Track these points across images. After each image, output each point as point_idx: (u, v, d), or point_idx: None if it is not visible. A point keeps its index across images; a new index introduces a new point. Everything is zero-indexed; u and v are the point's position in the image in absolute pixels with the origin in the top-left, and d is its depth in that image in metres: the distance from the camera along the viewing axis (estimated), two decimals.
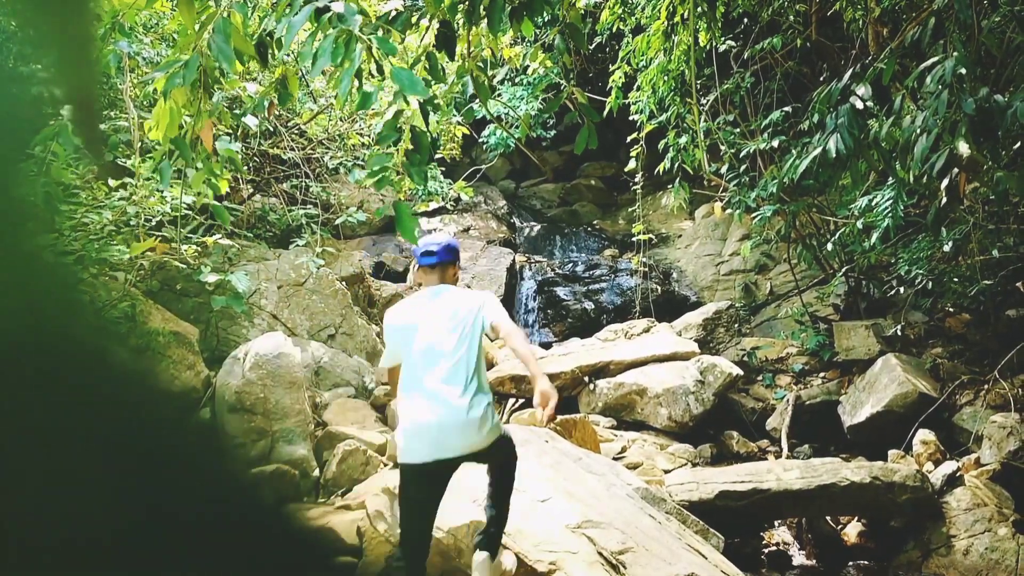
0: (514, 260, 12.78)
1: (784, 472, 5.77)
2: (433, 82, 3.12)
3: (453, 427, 3.71)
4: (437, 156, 10.72)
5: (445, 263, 4.16)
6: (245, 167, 8.13)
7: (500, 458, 3.99)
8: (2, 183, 0.65)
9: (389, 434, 6.98)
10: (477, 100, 3.49)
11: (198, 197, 4.84)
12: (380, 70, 2.49)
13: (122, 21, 3.28)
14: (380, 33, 2.50)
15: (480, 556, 3.94)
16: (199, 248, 6.66)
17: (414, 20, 3.14)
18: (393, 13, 2.96)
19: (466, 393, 3.80)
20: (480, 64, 3.55)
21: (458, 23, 3.25)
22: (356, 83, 2.48)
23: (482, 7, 3.01)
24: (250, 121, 3.75)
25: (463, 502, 4.23)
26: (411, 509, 3.80)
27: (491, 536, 3.98)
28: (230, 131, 5.12)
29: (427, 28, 3.20)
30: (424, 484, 3.75)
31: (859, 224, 6.85)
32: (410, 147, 2.65)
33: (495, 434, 3.83)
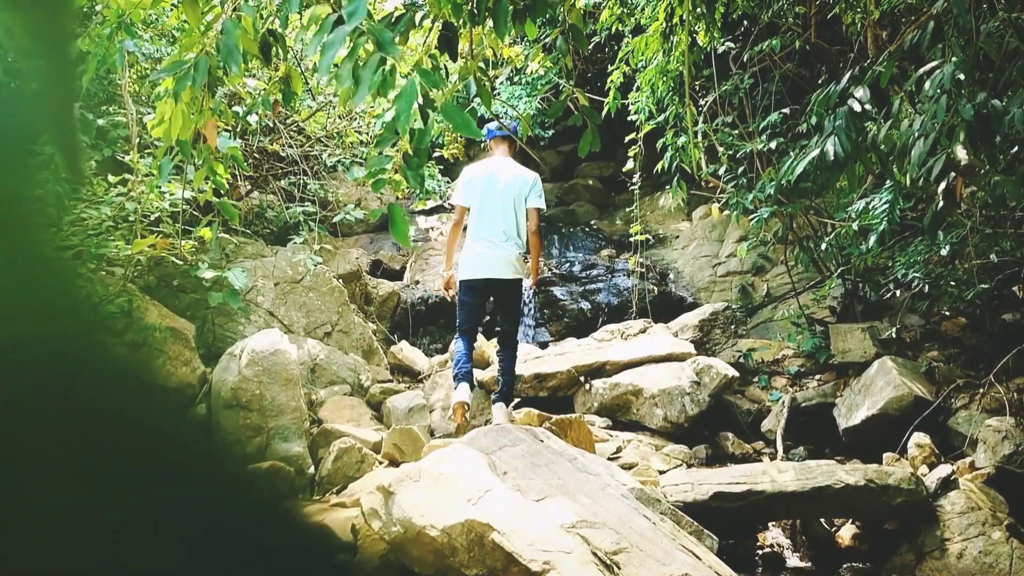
0: None
1: (779, 474, 5.77)
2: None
3: (497, 258, 5.67)
4: (436, 154, 10.71)
5: (513, 140, 6.23)
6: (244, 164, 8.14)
7: (513, 297, 5.96)
8: (5, 179, 0.66)
9: (384, 432, 6.99)
10: (478, 100, 3.50)
11: (201, 195, 4.85)
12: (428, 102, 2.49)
13: (128, 20, 3.28)
14: (420, 58, 2.50)
15: (497, 404, 5.88)
16: (196, 244, 6.66)
17: (417, 20, 3.13)
18: (396, 15, 2.96)
19: (508, 242, 5.69)
20: (481, 64, 3.55)
21: (461, 24, 3.25)
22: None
23: (487, 6, 3.00)
24: (250, 118, 3.76)
25: (458, 502, 4.23)
26: (465, 309, 5.95)
27: (503, 392, 5.98)
28: (229, 128, 5.12)
29: (430, 29, 3.20)
30: (472, 292, 5.82)
31: (855, 226, 6.87)
32: (408, 150, 2.65)
33: (519, 276, 5.82)
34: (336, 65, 2.48)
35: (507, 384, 6.06)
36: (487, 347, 9.14)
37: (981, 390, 6.84)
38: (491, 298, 6.11)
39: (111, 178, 6.44)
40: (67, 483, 0.63)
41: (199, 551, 0.66)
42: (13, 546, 0.60)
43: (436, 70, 2.94)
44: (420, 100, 2.49)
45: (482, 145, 6.31)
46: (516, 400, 7.92)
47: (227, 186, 3.91)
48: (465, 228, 6.18)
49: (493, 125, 6.34)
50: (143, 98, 7.88)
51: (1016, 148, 4.51)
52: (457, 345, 6.13)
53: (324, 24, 2.52)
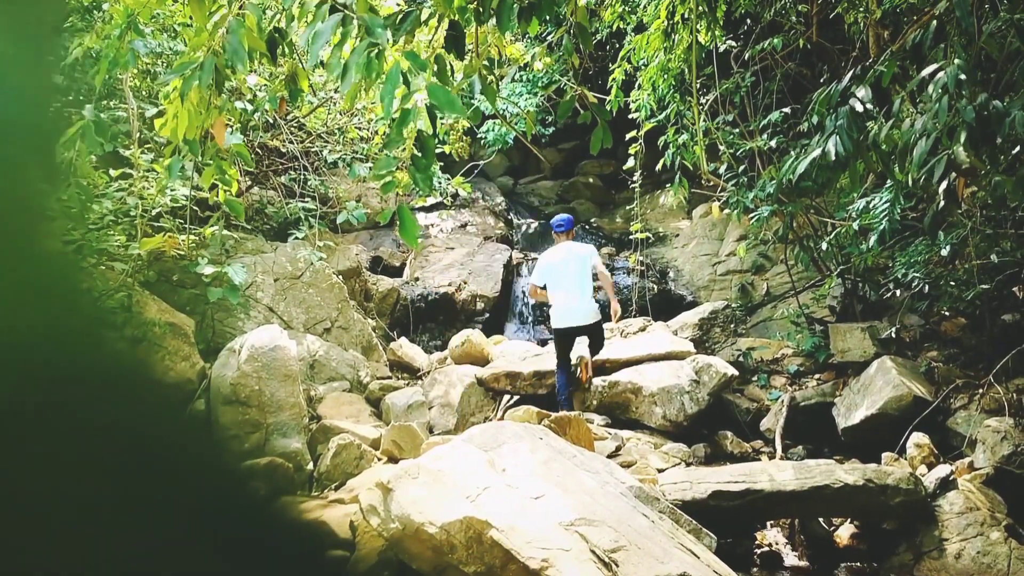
0: (511, 257, 12.79)
1: (778, 473, 5.77)
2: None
3: (577, 312, 7.79)
4: (437, 151, 10.68)
5: (571, 229, 8.21)
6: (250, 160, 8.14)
7: (596, 332, 7.99)
8: (15, 182, 0.65)
9: (383, 428, 6.99)
10: (482, 98, 3.49)
11: (211, 193, 4.84)
12: (406, 81, 2.47)
13: (137, 19, 3.28)
14: (401, 41, 2.49)
15: (584, 356, 8.03)
16: (197, 240, 6.66)
17: (423, 19, 3.12)
18: (402, 14, 2.95)
19: (584, 297, 7.80)
20: (486, 63, 3.55)
21: (465, 22, 3.24)
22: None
23: (492, 6, 2.99)
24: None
25: (457, 500, 4.23)
26: (560, 347, 7.88)
27: (591, 351, 8.06)
28: (230, 124, 5.11)
29: (435, 28, 3.19)
30: (565, 338, 7.86)
31: (855, 226, 6.87)
32: (416, 152, 2.64)
33: (597, 319, 7.92)
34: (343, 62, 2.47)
35: (593, 351, 8.14)
36: (485, 344, 9.15)
37: (980, 390, 6.84)
38: (577, 337, 8.01)
39: (112, 172, 6.43)
40: (65, 478, 0.63)
41: (194, 546, 0.66)
42: (14, 535, 0.60)
43: (442, 68, 2.93)
44: (426, 98, 2.48)
45: (552, 235, 8.52)
46: (515, 397, 7.94)
47: (238, 186, 3.92)
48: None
49: (557, 220, 8.32)
50: (143, 93, 7.87)
51: (1017, 149, 4.51)
52: (559, 378, 7.87)
53: (318, 13, 2.51)
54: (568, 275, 7.91)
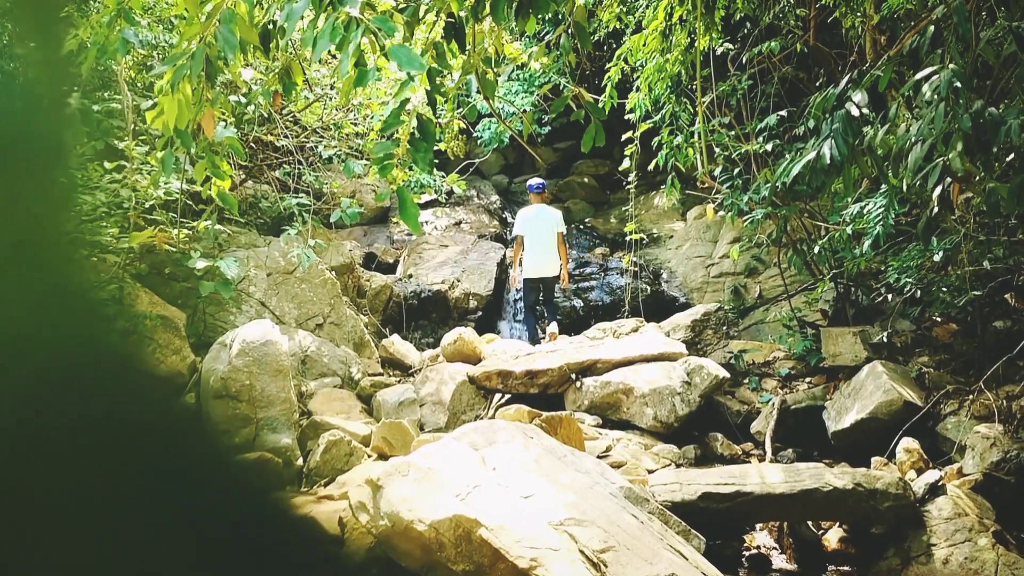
0: (505, 255, 12.79)
1: (767, 475, 5.78)
2: (442, 71, 3.09)
3: (545, 264, 9.90)
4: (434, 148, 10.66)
5: (544, 192, 10.37)
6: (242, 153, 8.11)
7: (552, 285, 10.11)
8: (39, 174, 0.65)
9: (374, 425, 6.98)
10: (478, 96, 3.48)
11: (203, 187, 4.82)
12: (383, 51, 2.46)
13: (127, 7, 3.26)
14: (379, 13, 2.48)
15: (551, 325, 9.94)
16: (190, 233, 6.64)
17: (421, 13, 3.12)
18: (401, 6, 2.95)
19: (551, 254, 9.95)
20: (483, 60, 3.54)
21: (463, 19, 3.23)
22: (354, 63, 2.45)
23: (488, 1, 2.99)
24: (247, 107, 3.74)
25: (447, 497, 4.23)
26: (530, 295, 10.16)
27: (551, 322, 9.99)
28: (224, 117, 5.09)
29: (433, 24, 3.18)
30: (533, 286, 10.05)
31: (849, 230, 6.87)
32: (416, 134, 2.63)
33: (556, 273, 10.04)
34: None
35: (552, 319, 10.15)
36: (477, 342, 9.14)
37: (971, 396, 6.86)
38: (541, 286, 10.08)
39: (107, 164, 6.40)
40: (60, 470, 0.62)
41: (188, 540, 0.66)
42: (10, 520, 0.60)
43: (442, 58, 2.92)
44: (427, 87, 2.48)
45: (527, 197, 10.73)
46: (507, 396, 7.94)
47: (231, 181, 3.89)
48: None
49: (533, 183, 10.51)
50: (139, 85, 7.85)
51: (1012, 156, 4.52)
52: (527, 320, 10.30)
53: None
54: (541, 233, 9.96)
